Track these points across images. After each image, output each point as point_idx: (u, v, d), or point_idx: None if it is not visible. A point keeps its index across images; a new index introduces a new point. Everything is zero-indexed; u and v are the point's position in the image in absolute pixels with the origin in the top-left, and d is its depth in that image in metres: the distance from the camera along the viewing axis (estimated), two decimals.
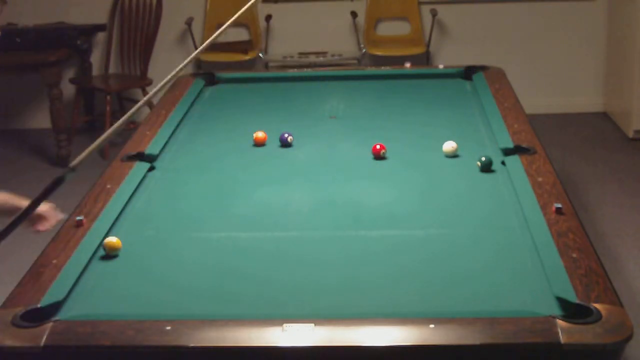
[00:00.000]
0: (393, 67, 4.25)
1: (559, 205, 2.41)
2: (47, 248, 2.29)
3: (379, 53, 5.82)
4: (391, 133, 3.25)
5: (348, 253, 2.30)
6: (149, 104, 5.52)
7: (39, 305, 1.98)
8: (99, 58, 6.03)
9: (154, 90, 2.07)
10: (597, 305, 1.89)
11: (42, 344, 1.83)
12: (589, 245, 2.20)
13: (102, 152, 5.43)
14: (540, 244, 2.22)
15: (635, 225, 4.26)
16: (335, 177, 2.87)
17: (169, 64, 5.88)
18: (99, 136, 2.02)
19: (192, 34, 5.81)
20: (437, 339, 1.81)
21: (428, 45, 5.83)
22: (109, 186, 2.70)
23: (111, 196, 2.62)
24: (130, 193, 2.67)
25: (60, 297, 2.03)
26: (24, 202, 2.11)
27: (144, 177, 2.83)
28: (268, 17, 5.93)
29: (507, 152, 2.91)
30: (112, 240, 2.30)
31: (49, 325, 1.88)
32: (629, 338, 1.79)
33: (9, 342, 1.85)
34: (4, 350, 1.85)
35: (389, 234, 2.41)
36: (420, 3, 5.93)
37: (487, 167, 2.81)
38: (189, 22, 5.81)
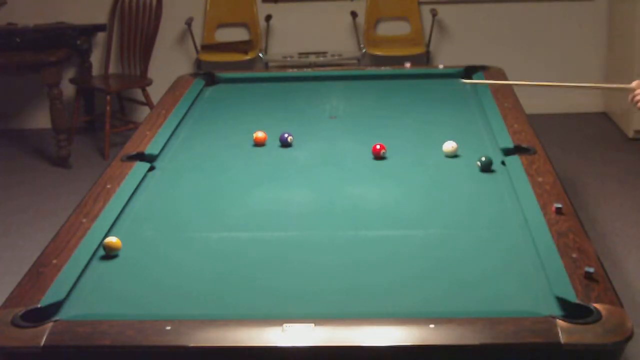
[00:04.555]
0: (393, 67, 4.25)
1: (559, 205, 2.41)
2: (47, 248, 2.29)
3: (379, 53, 5.82)
4: (391, 133, 3.25)
5: (348, 253, 2.30)
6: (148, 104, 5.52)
7: (39, 305, 1.98)
8: (99, 58, 6.03)
9: None
10: (597, 305, 1.89)
11: (42, 344, 1.83)
12: (589, 245, 2.20)
13: (102, 152, 5.44)
14: (540, 244, 2.22)
15: (635, 225, 4.26)
16: (335, 177, 2.87)
17: (169, 64, 5.96)
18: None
19: (192, 34, 5.81)
20: (437, 339, 1.81)
21: (428, 45, 5.83)
22: (109, 186, 2.70)
23: (111, 196, 2.62)
24: (130, 193, 2.67)
25: (60, 297, 2.03)
26: None
27: (144, 177, 2.83)
28: (268, 17, 5.93)
29: (507, 152, 2.92)
30: (112, 240, 2.30)
31: (49, 325, 1.88)
32: (629, 338, 1.80)
33: (9, 342, 1.85)
34: (4, 350, 1.85)
35: (389, 234, 2.41)
36: (420, 3, 5.93)
37: (487, 167, 2.81)
38: (189, 22, 5.81)
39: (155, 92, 5.19)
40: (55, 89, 5.23)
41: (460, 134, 3.16)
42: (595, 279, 2.01)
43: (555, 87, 2.89)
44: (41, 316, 1.94)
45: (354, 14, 5.95)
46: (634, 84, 2.65)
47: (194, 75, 4.16)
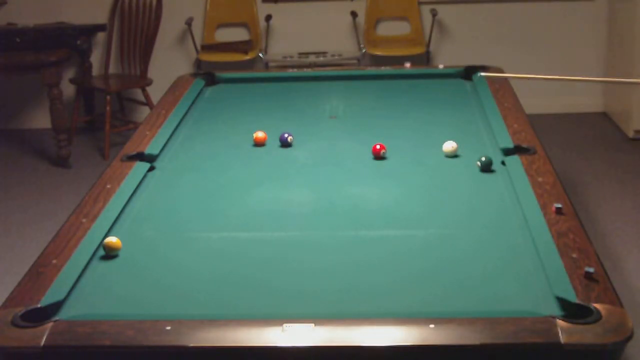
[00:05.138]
0: (393, 67, 4.25)
1: (559, 205, 2.41)
2: (47, 248, 2.29)
3: (379, 53, 5.82)
4: (391, 133, 3.25)
5: (348, 253, 2.30)
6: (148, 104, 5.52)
7: (39, 305, 1.98)
8: (99, 58, 6.03)
9: None
10: (597, 305, 1.89)
11: (42, 344, 1.83)
12: (589, 245, 2.20)
13: (102, 152, 5.44)
14: (540, 244, 2.22)
15: (635, 225, 4.26)
16: (335, 177, 2.87)
17: (169, 64, 5.96)
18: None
19: (192, 34, 5.81)
20: (437, 339, 1.81)
21: (428, 45, 5.83)
22: (109, 186, 2.70)
23: (111, 196, 2.62)
24: (130, 193, 2.67)
25: (60, 297, 2.03)
26: None
27: (144, 177, 2.83)
28: (268, 17, 5.93)
29: (507, 152, 2.92)
30: (112, 240, 2.30)
31: (49, 325, 1.88)
32: (629, 338, 1.79)
33: (9, 342, 1.85)
34: (4, 350, 1.85)
35: (389, 234, 2.41)
36: (420, 3, 5.93)
37: (487, 167, 2.81)
38: (189, 22, 5.81)
39: (155, 92, 5.19)
40: (55, 89, 5.23)
41: (460, 134, 3.16)
42: (595, 279, 2.01)
43: (567, 82, 2.87)
44: (41, 316, 1.94)
45: (354, 14, 5.95)
46: None
47: (194, 75, 4.16)
